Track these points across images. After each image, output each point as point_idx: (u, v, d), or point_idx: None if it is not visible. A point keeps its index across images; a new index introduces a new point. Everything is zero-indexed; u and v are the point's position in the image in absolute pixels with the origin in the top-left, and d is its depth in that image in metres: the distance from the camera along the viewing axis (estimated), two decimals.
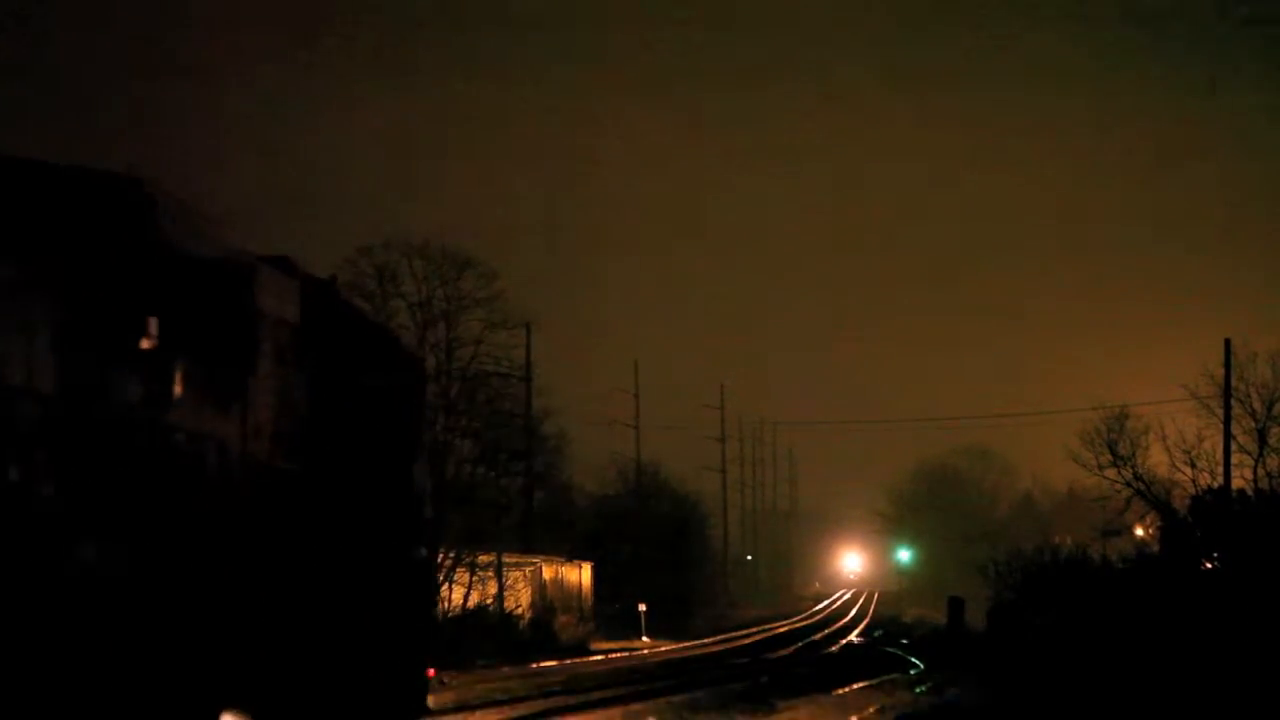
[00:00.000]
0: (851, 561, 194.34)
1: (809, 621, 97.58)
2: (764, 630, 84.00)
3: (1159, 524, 51.71)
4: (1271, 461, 48.81)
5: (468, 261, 62.83)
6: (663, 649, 64.39)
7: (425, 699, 22.29)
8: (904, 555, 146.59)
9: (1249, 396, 49.69)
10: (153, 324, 13.83)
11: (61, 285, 12.63)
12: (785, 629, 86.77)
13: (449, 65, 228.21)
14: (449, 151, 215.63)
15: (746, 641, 72.10)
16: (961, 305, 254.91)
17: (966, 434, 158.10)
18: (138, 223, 13.73)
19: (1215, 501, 47.55)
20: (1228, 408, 49.32)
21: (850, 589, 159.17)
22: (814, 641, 72.00)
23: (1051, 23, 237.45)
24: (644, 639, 69.69)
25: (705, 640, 71.58)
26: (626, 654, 59.35)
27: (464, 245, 68.46)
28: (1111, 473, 51.85)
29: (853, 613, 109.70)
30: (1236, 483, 48.53)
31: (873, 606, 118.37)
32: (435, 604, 25.58)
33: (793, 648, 66.03)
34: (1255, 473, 48.73)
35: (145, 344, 13.68)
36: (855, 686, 40.78)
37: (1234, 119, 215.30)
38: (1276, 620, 38.53)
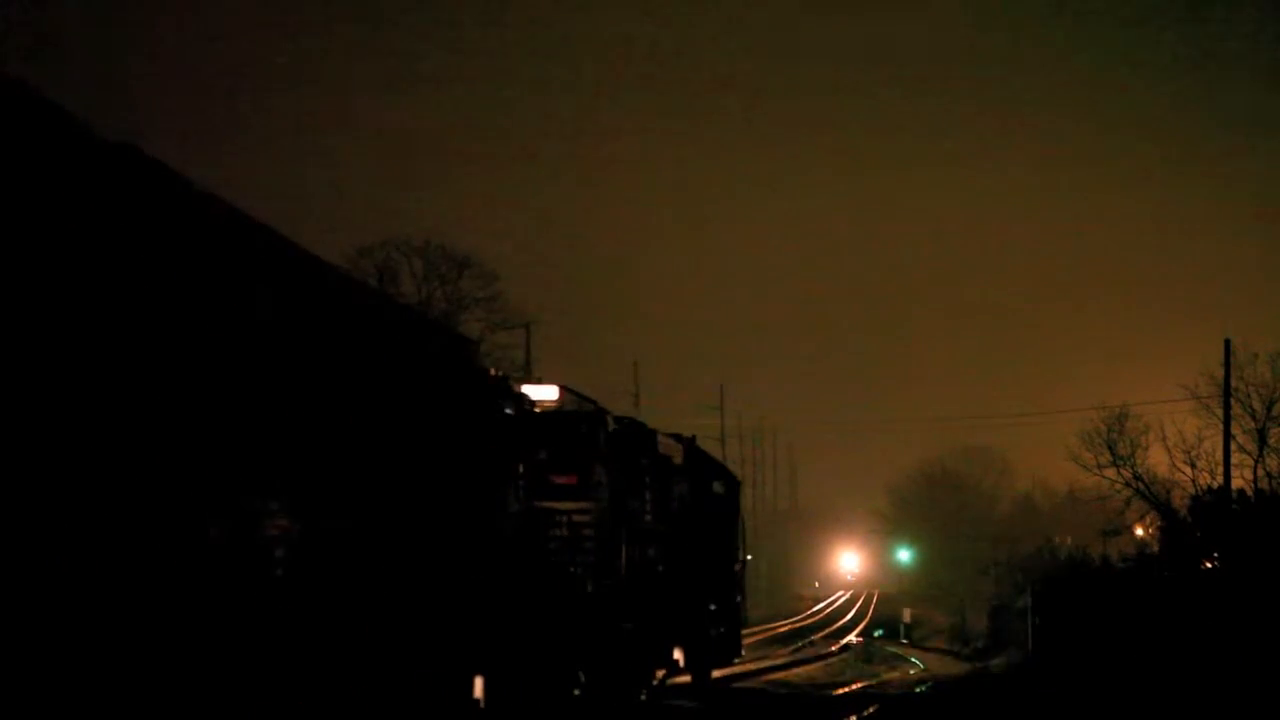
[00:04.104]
0: (850, 561, 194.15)
1: (809, 621, 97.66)
2: (764, 630, 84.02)
3: (1159, 524, 51.71)
4: (1271, 461, 48.76)
5: (467, 261, 62.97)
6: None
7: (741, 647, 41.44)
8: (904, 555, 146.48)
9: (1249, 397, 49.61)
10: (648, 484, 30.73)
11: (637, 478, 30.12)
12: (786, 628, 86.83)
13: (450, 66, 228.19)
14: (449, 152, 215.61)
15: (747, 641, 72.03)
16: (961, 305, 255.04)
17: (966, 434, 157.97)
18: (650, 444, 31.08)
19: (1215, 501, 47.56)
20: (1227, 408, 49.24)
21: (849, 589, 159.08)
22: (814, 641, 72.06)
23: (1050, 23, 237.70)
24: None
25: None
26: None
27: (463, 245, 68.51)
28: (1111, 473, 51.84)
29: (852, 613, 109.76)
30: (1236, 483, 48.45)
31: (872, 607, 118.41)
32: (744, 596, 42.71)
33: (793, 648, 66.11)
34: (1255, 473, 48.69)
35: (645, 493, 30.45)
36: (856, 686, 40.87)
37: (1235, 118, 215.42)
38: (1275, 620, 38.58)
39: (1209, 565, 46.13)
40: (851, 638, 75.59)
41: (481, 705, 19.47)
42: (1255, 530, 44.07)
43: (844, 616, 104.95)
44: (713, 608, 36.88)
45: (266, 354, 13.85)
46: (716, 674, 38.19)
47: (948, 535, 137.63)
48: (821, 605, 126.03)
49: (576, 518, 26.35)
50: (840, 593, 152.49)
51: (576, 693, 25.98)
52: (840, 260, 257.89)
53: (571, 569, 26.04)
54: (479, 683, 19.41)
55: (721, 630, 37.81)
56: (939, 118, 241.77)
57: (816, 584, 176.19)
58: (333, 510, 15.16)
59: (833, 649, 65.89)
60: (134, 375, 11.90)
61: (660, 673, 32.56)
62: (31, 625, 10.76)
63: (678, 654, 33.39)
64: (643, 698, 30.71)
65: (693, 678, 35.70)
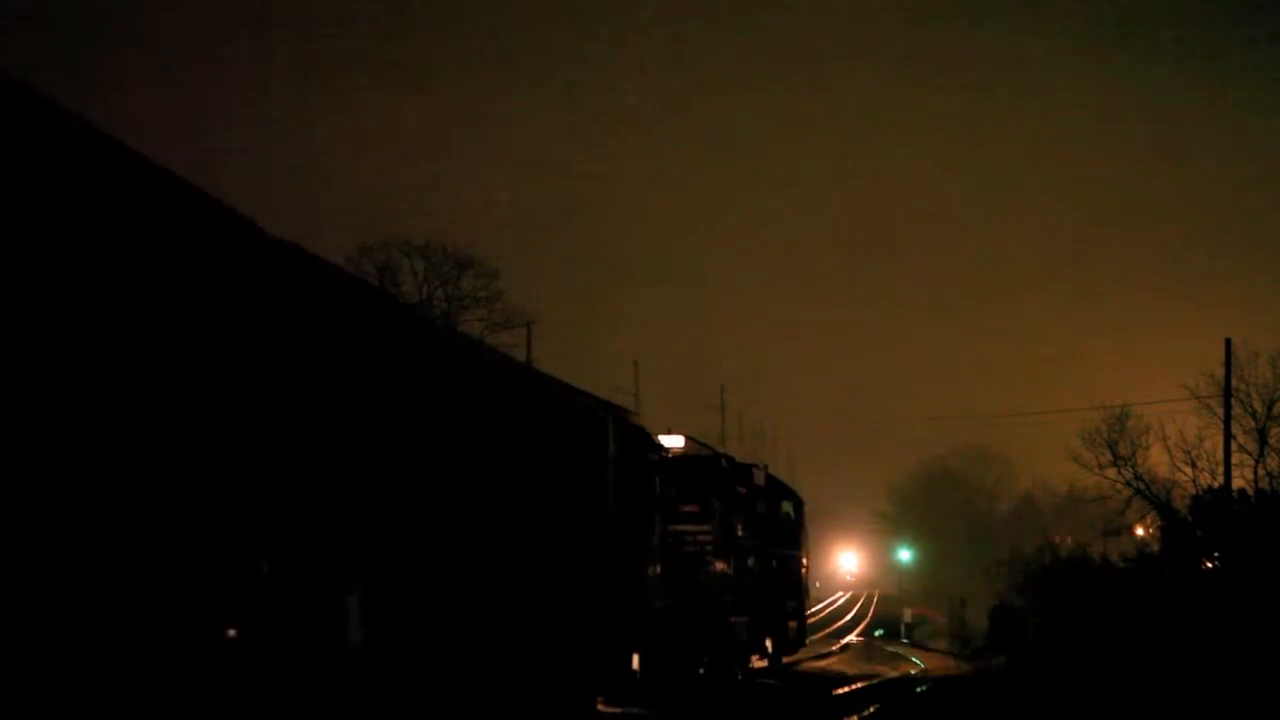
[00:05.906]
0: (849, 561, 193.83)
1: (808, 622, 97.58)
2: None
3: (1159, 524, 51.65)
4: (1271, 461, 48.69)
5: (468, 261, 62.94)
6: None
7: (806, 639, 51.76)
8: (904, 555, 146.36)
9: (1249, 396, 49.51)
10: (744, 509, 39.79)
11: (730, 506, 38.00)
12: None
13: (450, 66, 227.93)
14: (449, 152, 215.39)
15: None
16: (961, 305, 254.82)
17: (966, 434, 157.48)
18: (747, 477, 41.08)
19: (1215, 501, 47.50)
20: (1228, 408, 49.18)
21: (849, 590, 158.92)
22: (813, 641, 72.06)
23: (1050, 22, 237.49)
24: None
25: None
26: None
27: (464, 245, 68.38)
28: (1111, 473, 51.76)
29: (852, 613, 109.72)
30: (1237, 483, 48.38)
31: (872, 607, 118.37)
32: (808, 596, 52.11)
33: None
34: (1255, 473, 48.62)
35: (742, 515, 39.72)
36: (856, 685, 40.88)
37: (1235, 118, 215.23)
38: (1275, 620, 38.58)
39: (1209, 565, 46.08)
40: (852, 638, 75.61)
41: (638, 675, 26.21)
42: (1255, 530, 44.04)
43: (844, 617, 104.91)
44: (790, 605, 46.66)
45: (540, 450, 21.68)
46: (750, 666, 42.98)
47: (948, 535, 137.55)
48: (821, 606, 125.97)
49: (700, 538, 34.39)
50: (840, 593, 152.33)
51: (701, 672, 33.78)
52: (841, 260, 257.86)
53: (697, 577, 33.66)
54: (635, 658, 26.22)
55: (793, 624, 47.54)
56: (941, 116, 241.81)
57: (817, 584, 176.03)
58: (554, 536, 22.13)
59: (833, 649, 65.83)
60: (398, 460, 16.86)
61: (754, 658, 41.27)
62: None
63: (768, 643, 43.09)
64: (739, 678, 38.31)
65: (769, 663, 43.98)
